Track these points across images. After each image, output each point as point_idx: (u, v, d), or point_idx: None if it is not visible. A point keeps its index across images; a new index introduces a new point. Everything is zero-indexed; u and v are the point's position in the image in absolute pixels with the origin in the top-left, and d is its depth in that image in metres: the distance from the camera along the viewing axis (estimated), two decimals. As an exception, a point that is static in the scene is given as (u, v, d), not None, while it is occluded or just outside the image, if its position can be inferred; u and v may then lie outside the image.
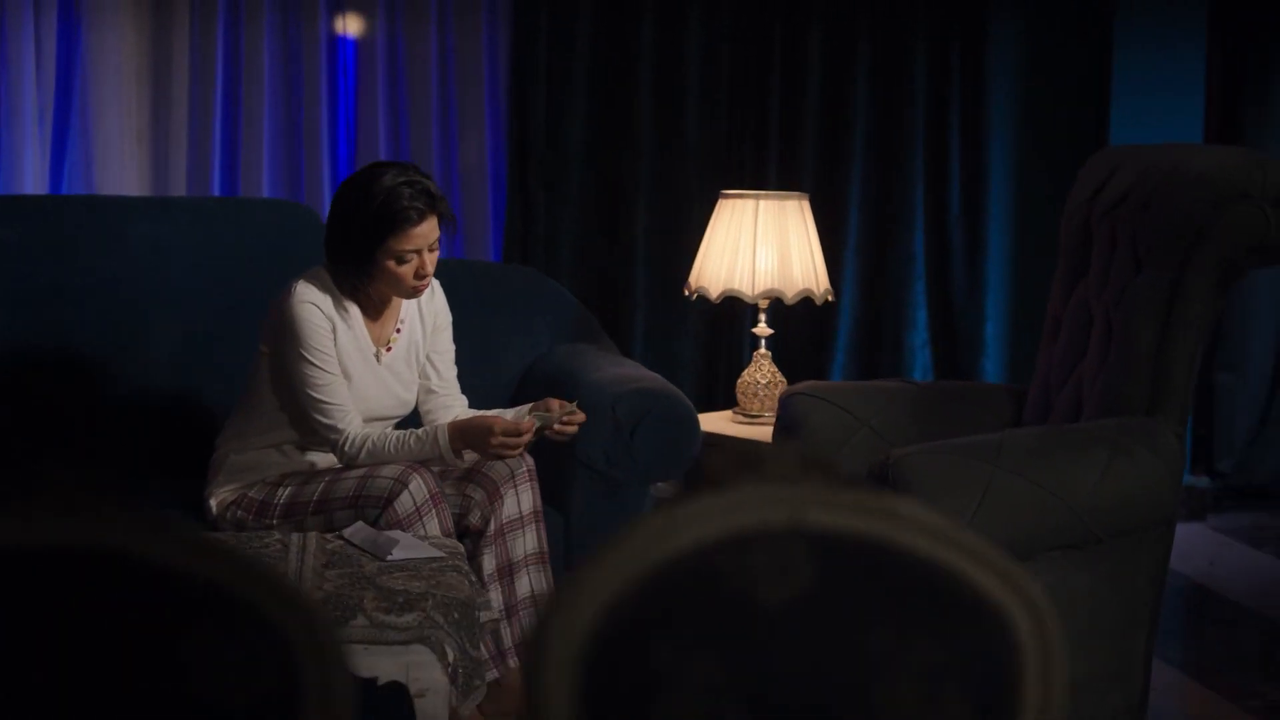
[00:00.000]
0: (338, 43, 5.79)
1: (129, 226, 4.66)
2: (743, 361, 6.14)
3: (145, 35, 5.63)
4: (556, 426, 3.93)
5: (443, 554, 3.58)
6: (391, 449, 3.90)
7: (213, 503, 4.04)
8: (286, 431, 4.02)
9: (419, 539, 3.66)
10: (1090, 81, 6.35)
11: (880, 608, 1.43)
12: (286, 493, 3.97)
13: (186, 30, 5.63)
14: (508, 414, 4.03)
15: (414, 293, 3.95)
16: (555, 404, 3.96)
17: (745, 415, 4.74)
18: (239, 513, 4.00)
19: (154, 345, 4.56)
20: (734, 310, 6.01)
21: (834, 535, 1.45)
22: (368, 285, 3.93)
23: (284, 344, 3.92)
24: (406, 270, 3.89)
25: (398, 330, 4.08)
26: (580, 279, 5.94)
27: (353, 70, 5.83)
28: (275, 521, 3.94)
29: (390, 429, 4.01)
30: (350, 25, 5.79)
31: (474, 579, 3.65)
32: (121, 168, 5.64)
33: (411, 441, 3.91)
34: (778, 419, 4.08)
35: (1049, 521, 3.33)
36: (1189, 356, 3.54)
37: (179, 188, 5.69)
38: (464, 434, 3.91)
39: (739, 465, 1.50)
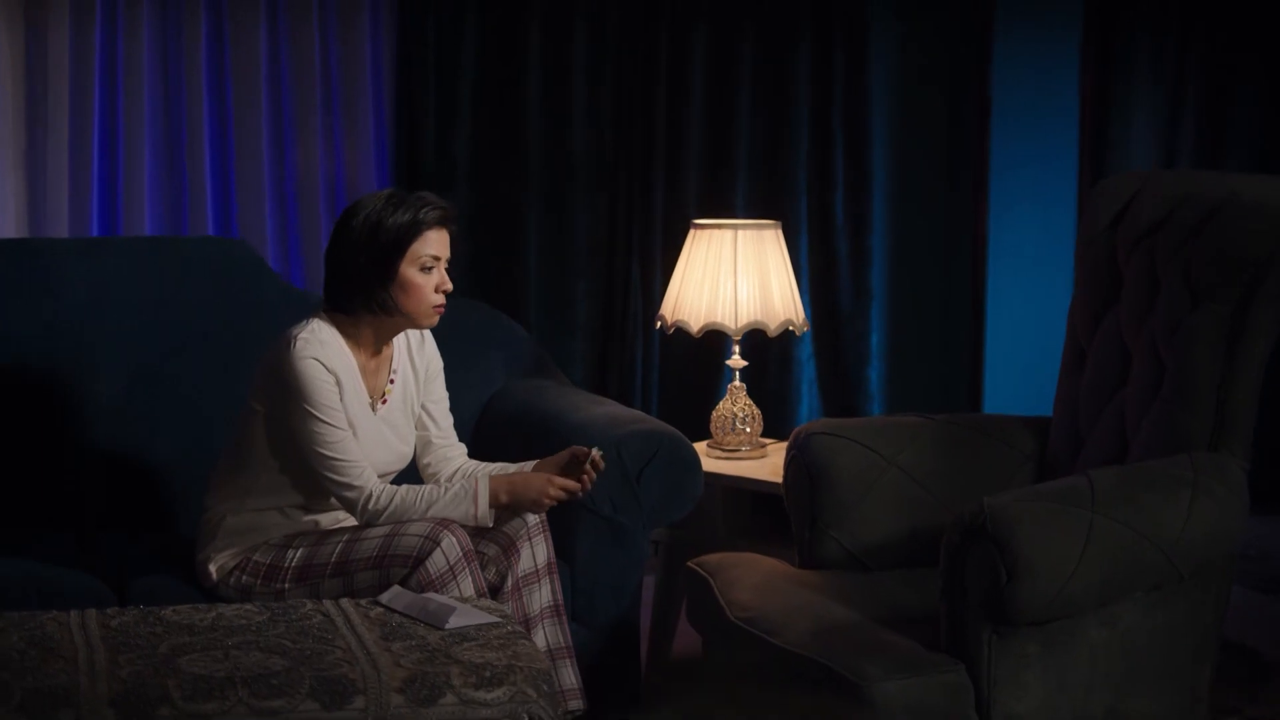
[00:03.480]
0: (219, 64, 5.50)
1: (64, 269, 4.40)
2: (634, 388, 6.01)
3: (19, 45, 5.28)
4: (583, 478, 3.80)
5: (498, 618, 3.38)
6: (422, 504, 3.69)
7: (211, 568, 3.78)
8: (289, 494, 3.79)
9: (461, 602, 3.46)
10: (969, 87, 6.35)
11: None
12: (299, 554, 3.73)
13: (65, 35, 5.29)
14: (526, 467, 3.88)
15: (433, 313, 3.78)
16: (581, 453, 3.80)
17: (723, 451, 4.60)
18: (244, 578, 3.75)
19: (98, 390, 4.32)
20: (625, 333, 5.90)
21: None
22: (384, 309, 3.73)
23: (286, 403, 3.68)
24: (428, 281, 3.73)
25: (391, 381, 3.88)
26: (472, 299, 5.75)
27: (231, 89, 5.54)
28: (286, 586, 3.70)
29: (390, 482, 3.81)
30: (231, 40, 5.50)
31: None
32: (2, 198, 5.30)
33: (447, 497, 3.70)
34: (794, 459, 3.93)
35: (1142, 564, 3.28)
36: (1252, 389, 3.51)
37: (59, 217, 5.36)
38: (512, 484, 3.74)
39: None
